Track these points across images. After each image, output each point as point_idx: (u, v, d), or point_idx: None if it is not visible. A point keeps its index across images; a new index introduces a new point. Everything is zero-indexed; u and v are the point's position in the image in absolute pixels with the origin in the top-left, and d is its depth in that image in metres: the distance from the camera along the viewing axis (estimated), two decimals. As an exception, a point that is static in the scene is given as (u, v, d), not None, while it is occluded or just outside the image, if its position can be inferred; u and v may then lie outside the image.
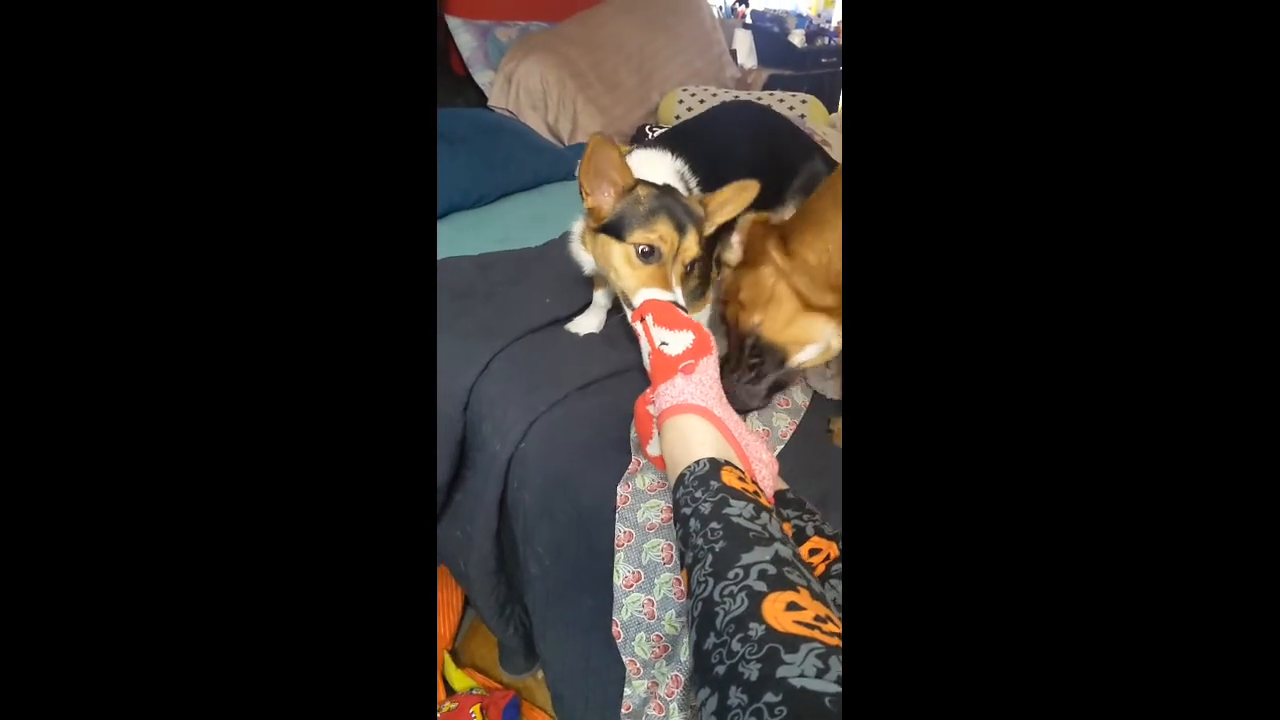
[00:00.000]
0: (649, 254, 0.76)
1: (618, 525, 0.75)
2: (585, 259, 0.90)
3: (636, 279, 0.76)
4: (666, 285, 0.74)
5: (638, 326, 0.67)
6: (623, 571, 0.73)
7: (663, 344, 0.64)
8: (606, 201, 0.79)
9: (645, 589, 0.72)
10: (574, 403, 0.89)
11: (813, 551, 0.60)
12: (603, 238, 0.79)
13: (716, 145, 1.08)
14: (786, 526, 0.62)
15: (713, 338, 0.66)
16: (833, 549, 0.60)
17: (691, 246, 0.76)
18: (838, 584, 0.56)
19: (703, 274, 0.91)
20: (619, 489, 0.77)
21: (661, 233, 0.75)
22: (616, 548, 0.74)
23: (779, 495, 0.67)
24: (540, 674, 1.08)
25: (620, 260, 0.77)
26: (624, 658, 0.73)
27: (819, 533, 0.62)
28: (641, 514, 0.75)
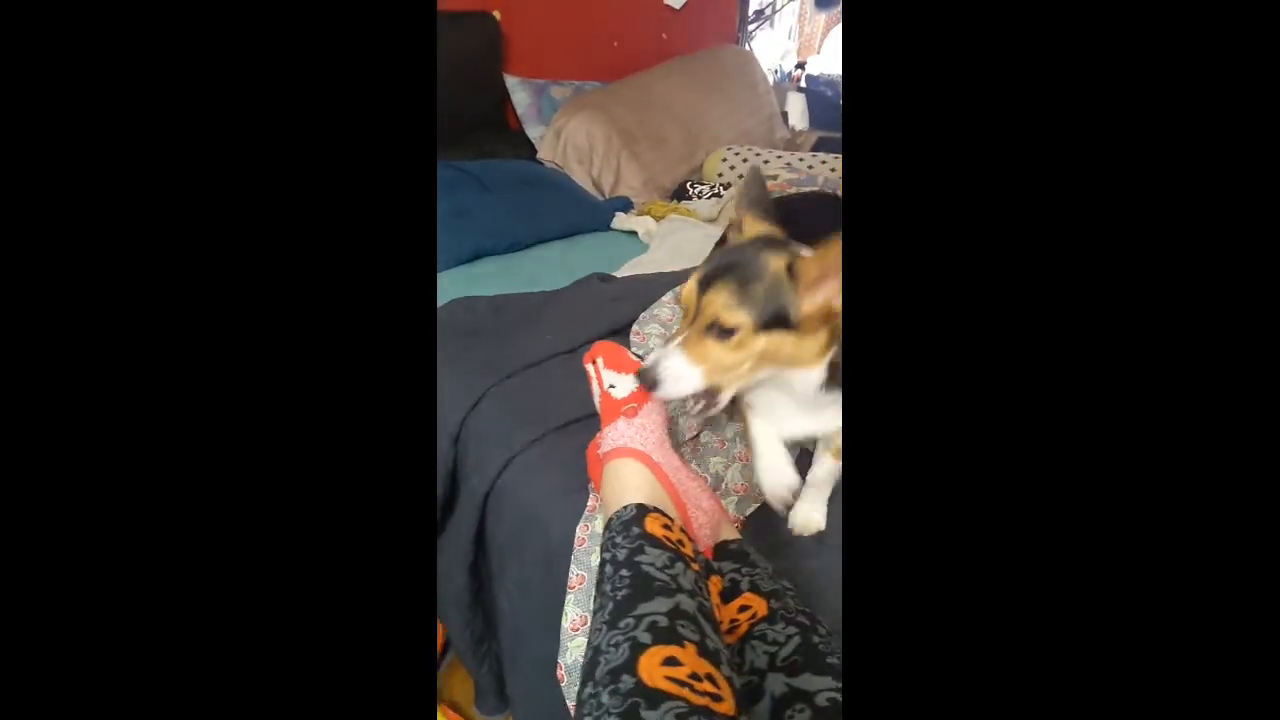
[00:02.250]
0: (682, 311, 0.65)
1: (572, 568, 0.75)
2: None
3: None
4: (680, 345, 0.63)
5: (589, 369, 0.69)
6: (571, 614, 0.73)
7: (610, 386, 0.66)
8: None
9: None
10: (552, 442, 0.90)
11: (742, 608, 0.59)
12: None
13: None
14: (717, 580, 0.61)
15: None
16: (762, 606, 0.58)
17: (709, 309, 0.62)
18: (758, 644, 0.54)
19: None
20: (578, 530, 0.77)
21: (685, 288, 0.65)
22: (568, 590, 0.74)
23: (722, 546, 0.66)
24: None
25: None
26: (568, 702, 0.72)
27: (754, 589, 0.60)
28: (595, 557, 0.75)
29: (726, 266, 0.63)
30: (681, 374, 0.63)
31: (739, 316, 0.61)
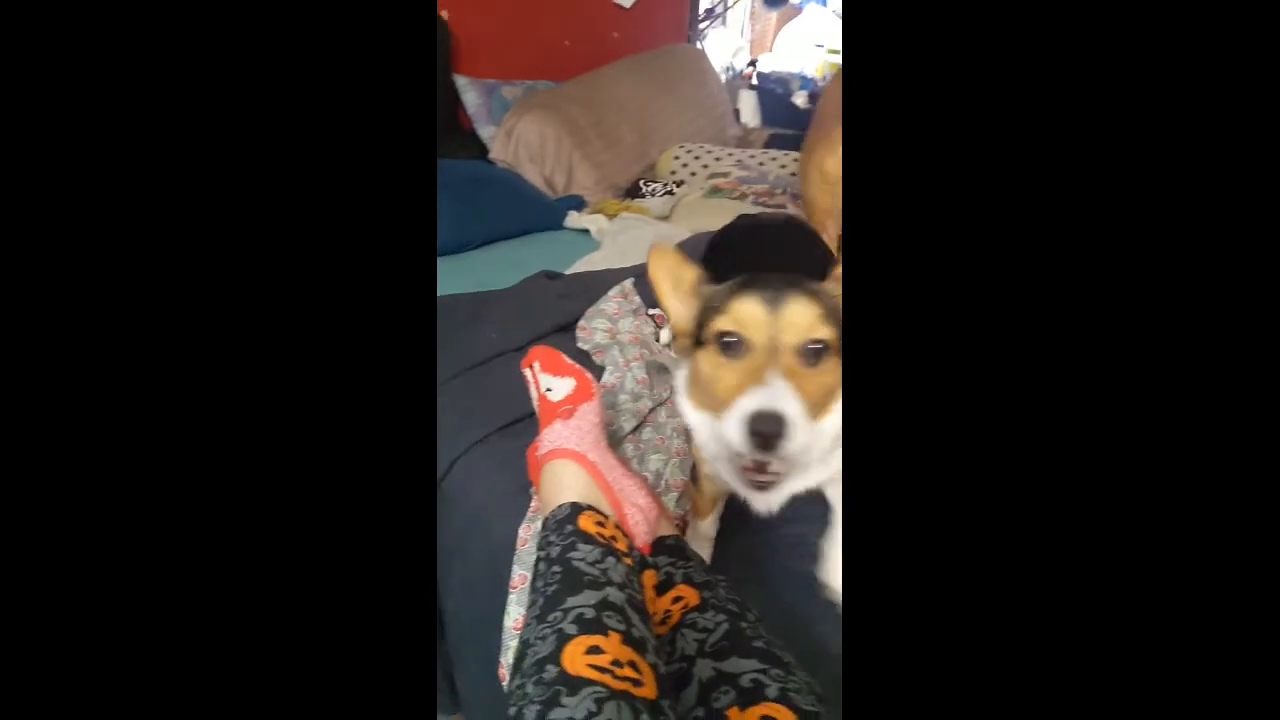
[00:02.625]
0: (732, 345, 0.53)
1: (514, 568, 0.76)
2: (692, 417, 0.60)
3: (725, 386, 0.52)
4: (760, 380, 0.49)
5: (526, 373, 0.70)
6: (513, 614, 0.74)
7: (547, 390, 0.66)
8: (683, 312, 0.59)
9: (532, 632, 0.72)
10: (495, 442, 0.90)
11: (675, 599, 0.60)
12: (697, 355, 0.57)
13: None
14: (652, 574, 0.62)
15: (595, 384, 0.68)
16: (694, 596, 0.60)
17: (800, 323, 0.52)
18: (689, 632, 0.56)
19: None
20: (520, 530, 0.78)
21: (740, 314, 0.53)
22: (510, 590, 0.75)
23: (659, 542, 0.67)
24: (465, 718, 1.07)
25: (708, 369, 0.55)
26: (511, 701, 0.72)
27: (687, 580, 0.62)
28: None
29: (785, 282, 0.54)
30: (801, 418, 0.48)
31: (829, 331, 0.52)
